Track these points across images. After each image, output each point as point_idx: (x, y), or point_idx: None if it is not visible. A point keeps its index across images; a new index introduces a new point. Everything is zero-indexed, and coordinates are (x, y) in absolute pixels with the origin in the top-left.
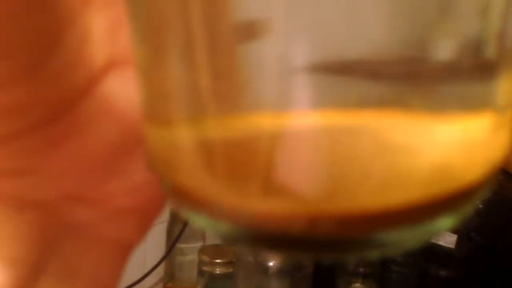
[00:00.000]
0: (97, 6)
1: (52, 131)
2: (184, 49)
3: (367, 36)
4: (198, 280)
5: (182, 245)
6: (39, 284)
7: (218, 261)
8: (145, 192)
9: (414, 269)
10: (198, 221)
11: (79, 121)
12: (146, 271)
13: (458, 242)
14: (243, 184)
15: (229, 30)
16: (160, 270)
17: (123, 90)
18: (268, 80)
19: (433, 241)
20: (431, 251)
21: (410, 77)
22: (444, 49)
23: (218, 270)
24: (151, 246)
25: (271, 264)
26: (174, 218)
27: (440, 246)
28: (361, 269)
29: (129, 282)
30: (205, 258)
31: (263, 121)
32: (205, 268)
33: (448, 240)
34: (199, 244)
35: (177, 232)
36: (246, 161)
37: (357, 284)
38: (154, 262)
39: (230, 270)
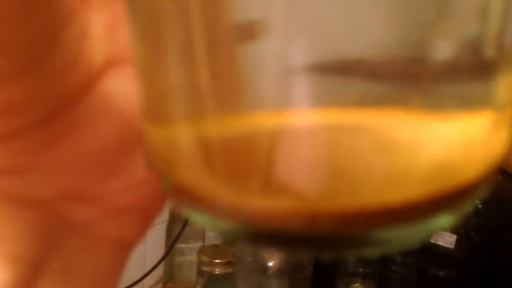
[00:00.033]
0: (96, 4)
1: (51, 129)
2: (184, 48)
3: (367, 36)
4: (197, 280)
5: (182, 245)
6: (39, 282)
7: (217, 261)
8: (145, 191)
9: (413, 269)
10: (198, 219)
11: (78, 119)
12: (145, 271)
13: (458, 242)
14: (243, 182)
15: (228, 29)
16: (160, 270)
17: (122, 89)
18: (268, 79)
19: (433, 241)
20: (430, 251)
21: (409, 77)
22: (443, 49)
23: (217, 270)
24: (151, 246)
25: (270, 264)
26: (173, 218)
27: (439, 246)
28: (361, 269)
29: (128, 282)
30: (205, 258)
31: (262, 120)
32: (205, 268)
33: (448, 240)
34: (198, 244)
35: (176, 232)
36: (246, 159)
37: (357, 284)
38: (154, 262)
39: (230, 270)
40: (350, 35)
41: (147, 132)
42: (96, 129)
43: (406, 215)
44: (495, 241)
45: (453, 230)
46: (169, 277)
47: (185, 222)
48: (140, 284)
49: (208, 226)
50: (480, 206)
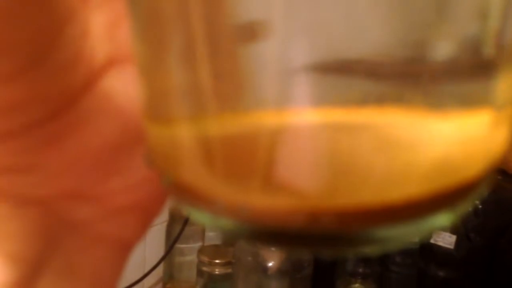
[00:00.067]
0: (96, 3)
1: (52, 128)
2: (185, 47)
3: (367, 36)
4: (197, 281)
5: (182, 246)
6: (40, 281)
7: (217, 261)
8: (145, 190)
9: (413, 269)
10: (198, 217)
11: (79, 118)
12: (145, 271)
13: (457, 242)
14: (244, 180)
15: (229, 29)
16: (159, 270)
17: (123, 87)
18: (268, 78)
19: (432, 241)
20: (430, 252)
21: (409, 76)
22: (443, 48)
23: (217, 271)
24: (151, 246)
25: (270, 264)
26: (173, 219)
27: (439, 246)
28: (360, 269)
29: (128, 282)
30: (204, 258)
31: (263, 119)
32: (204, 269)
33: (447, 241)
34: (198, 245)
35: (176, 233)
36: (247, 157)
37: (356, 285)
38: (154, 263)
39: (229, 270)
40: (351, 35)
41: (148, 130)
42: (96, 128)
43: (407, 213)
44: (495, 242)
45: (453, 231)
46: (169, 277)
47: (185, 222)
48: (140, 284)
49: (208, 224)
50: (479, 206)
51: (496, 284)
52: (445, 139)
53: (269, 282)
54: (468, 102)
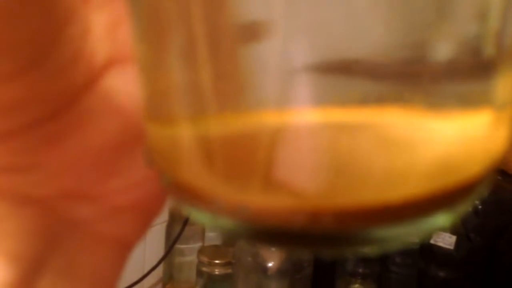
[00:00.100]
0: (97, 2)
1: (53, 128)
2: (185, 47)
3: (367, 36)
4: (197, 281)
5: (181, 246)
6: (40, 280)
7: (217, 262)
8: (145, 190)
9: (413, 269)
10: (198, 217)
11: (79, 117)
12: (145, 271)
13: (457, 243)
14: (244, 180)
15: (230, 29)
16: (159, 270)
17: (123, 87)
18: (269, 78)
19: (432, 242)
20: (430, 252)
21: (409, 76)
22: (443, 49)
23: (217, 271)
24: (150, 247)
25: (270, 264)
26: (173, 219)
27: (439, 247)
28: (360, 270)
29: (128, 283)
30: (204, 259)
31: (263, 118)
32: (204, 269)
33: (447, 241)
34: (198, 245)
35: (176, 233)
36: (247, 157)
37: (356, 285)
38: (153, 263)
39: (229, 271)
40: (351, 35)
41: (148, 130)
42: (97, 127)
43: (406, 213)
44: (495, 242)
45: (453, 231)
46: (169, 277)
47: (185, 223)
48: (140, 284)
49: (208, 224)
50: (479, 206)
51: (496, 284)
52: (445, 139)
53: (269, 283)
54: (468, 102)
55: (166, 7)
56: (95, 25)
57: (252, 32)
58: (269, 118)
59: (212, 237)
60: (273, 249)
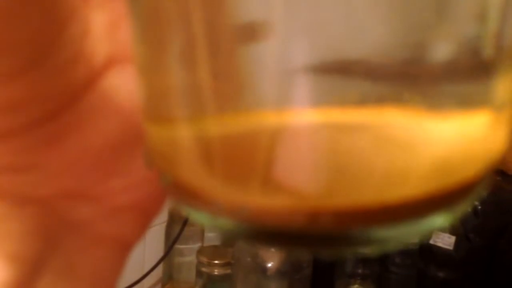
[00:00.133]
0: (97, 2)
1: (53, 128)
2: (184, 47)
3: (366, 37)
4: (196, 281)
5: (181, 246)
6: (39, 281)
7: (216, 262)
8: (145, 190)
9: (412, 270)
10: (197, 217)
11: (79, 117)
12: (144, 272)
13: (457, 243)
14: (243, 180)
15: (229, 30)
16: (159, 271)
17: (123, 87)
18: (268, 79)
19: (432, 242)
20: (429, 252)
21: (408, 77)
22: (442, 50)
23: (216, 271)
24: (150, 247)
25: (269, 265)
26: (172, 219)
27: (438, 247)
28: (359, 270)
29: (127, 283)
30: (204, 259)
31: (263, 119)
32: (204, 269)
33: (447, 241)
34: (197, 245)
35: (175, 233)
36: (246, 157)
37: (356, 286)
38: (153, 263)
39: (228, 271)
40: (350, 35)
41: (147, 130)
42: (96, 127)
43: (405, 213)
44: (494, 242)
45: (452, 231)
46: (168, 278)
47: (184, 223)
48: (139, 285)
49: (207, 224)
50: (479, 207)
51: (496, 284)
52: (444, 140)
53: (268, 283)
54: (467, 103)
55: (166, 7)
56: (95, 25)
57: (251, 32)
58: (268, 118)
59: (212, 238)
60: (272, 249)
